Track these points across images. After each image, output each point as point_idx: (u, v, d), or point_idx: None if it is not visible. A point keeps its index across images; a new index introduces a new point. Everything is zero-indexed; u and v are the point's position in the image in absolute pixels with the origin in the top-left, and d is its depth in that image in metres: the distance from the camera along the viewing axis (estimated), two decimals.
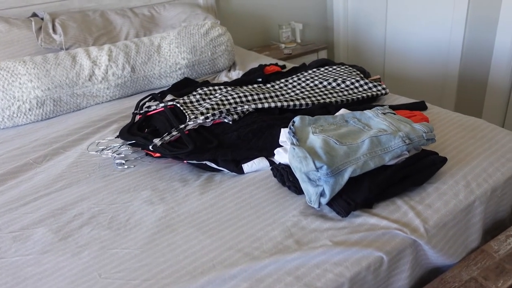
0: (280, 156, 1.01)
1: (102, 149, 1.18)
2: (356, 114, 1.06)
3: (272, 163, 1.05)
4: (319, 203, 0.84)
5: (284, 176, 0.95)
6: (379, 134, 0.91)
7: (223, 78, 1.78)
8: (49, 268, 0.80)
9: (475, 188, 0.92)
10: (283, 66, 1.78)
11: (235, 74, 1.78)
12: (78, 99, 1.56)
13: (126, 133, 1.17)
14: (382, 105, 1.09)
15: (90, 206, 0.97)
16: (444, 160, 0.94)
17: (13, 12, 1.86)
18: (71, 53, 1.59)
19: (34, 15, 1.86)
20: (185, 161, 1.10)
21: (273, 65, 1.75)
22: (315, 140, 0.92)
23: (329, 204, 0.86)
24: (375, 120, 1.01)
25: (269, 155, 1.07)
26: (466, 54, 2.09)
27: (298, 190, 0.92)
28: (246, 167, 1.04)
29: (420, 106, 1.27)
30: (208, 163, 1.06)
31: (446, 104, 2.30)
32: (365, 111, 1.06)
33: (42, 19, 1.83)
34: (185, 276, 0.74)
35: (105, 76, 1.58)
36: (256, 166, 1.04)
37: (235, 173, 1.04)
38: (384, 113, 1.04)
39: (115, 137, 1.20)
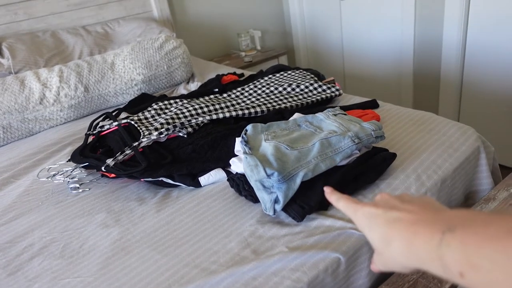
0: (236, 165, 1.01)
1: (54, 175, 1.13)
2: (308, 117, 1.07)
3: (228, 173, 1.04)
4: (274, 210, 0.84)
5: (240, 185, 0.94)
6: (329, 136, 0.93)
7: (181, 90, 1.77)
8: None
9: (426, 180, 0.95)
10: (241, 75, 1.78)
11: (194, 86, 1.77)
12: (30, 124, 1.50)
13: (78, 156, 1.13)
14: (334, 107, 1.11)
15: (41, 235, 0.93)
16: (393, 156, 0.96)
17: None
18: (19, 77, 1.53)
19: None
20: (141, 180, 1.07)
21: (231, 74, 1.75)
22: (267, 147, 0.92)
23: (284, 210, 0.86)
24: (326, 122, 1.03)
25: (226, 166, 1.06)
26: (418, 51, 2.17)
27: (254, 199, 0.91)
28: (203, 180, 1.02)
29: (372, 105, 1.30)
30: (164, 179, 1.04)
31: (405, 101, 2.36)
32: (317, 114, 1.07)
33: None
34: None
35: (57, 98, 1.53)
36: (213, 178, 1.03)
37: (192, 187, 1.03)
38: (335, 115, 1.06)
39: (67, 161, 1.16)
